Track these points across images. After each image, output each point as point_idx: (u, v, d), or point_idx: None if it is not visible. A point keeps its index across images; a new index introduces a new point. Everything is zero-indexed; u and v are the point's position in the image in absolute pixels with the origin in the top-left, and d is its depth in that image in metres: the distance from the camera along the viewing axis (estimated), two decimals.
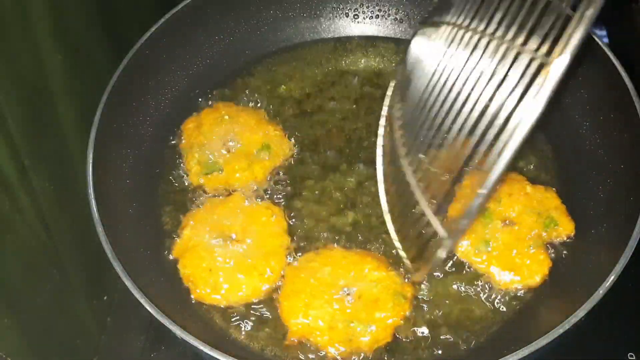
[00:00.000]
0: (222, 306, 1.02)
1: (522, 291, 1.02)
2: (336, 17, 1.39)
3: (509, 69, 0.72)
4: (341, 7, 1.39)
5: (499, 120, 0.70)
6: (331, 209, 1.12)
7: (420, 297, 1.02)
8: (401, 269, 1.02)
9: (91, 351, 1.10)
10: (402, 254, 0.98)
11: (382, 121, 1.09)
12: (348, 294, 0.98)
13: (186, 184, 1.16)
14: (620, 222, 0.97)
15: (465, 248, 1.04)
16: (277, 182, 1.16)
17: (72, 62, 1.03)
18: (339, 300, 0.98)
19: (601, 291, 0.87)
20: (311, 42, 1.38)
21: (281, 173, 1.17)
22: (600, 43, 1.10)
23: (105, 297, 1.14)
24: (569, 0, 0.72)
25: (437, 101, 0.84)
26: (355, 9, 1.39)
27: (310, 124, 1.24)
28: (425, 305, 1.01)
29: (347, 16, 1.39)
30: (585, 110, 1.16)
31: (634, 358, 1.03)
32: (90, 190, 0.98)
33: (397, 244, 1.00)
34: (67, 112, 1.02)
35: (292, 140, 1.21)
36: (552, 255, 1.04)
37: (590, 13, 0.62)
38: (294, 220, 1.11)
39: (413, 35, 0.99)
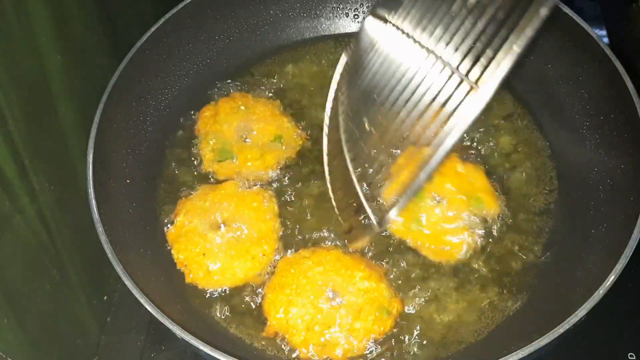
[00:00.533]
0: (215, 289, 1.03)
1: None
2: (336, 16, 1.39)
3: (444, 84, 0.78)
4: (341, 6, 1.39)
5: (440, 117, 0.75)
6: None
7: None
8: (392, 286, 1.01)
9: (91, 351, 1.10)
10: (341, 221, 1.01)
11: (330, 103, 1.09)
12: (333, 299, 0.98)
13: (184, 184, 1.16)
14: (620, 222, 0.97)
15: (398, 226, 1.06)
16: (286, 174, 1.17)
17: (73, 62, 1.03)
18: (322, 303, 0.97)
19: (601, 291, 0.87)
20: (311, 41, 1.38)
21: (291, 165, 1.18)
22: (600, 43, 1.10)
23: (105, 297, 1.14)
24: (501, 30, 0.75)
25: (387, 90, 0.87)
26: (355, 8, 1.39)
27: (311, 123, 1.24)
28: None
29: (347, 16, 1.39)
30: (585, 110, 1.16)
31: (634, 358, 1.03)
32: (91, 190, 0.98)
33: (337, 212, 1.02)
34: (67, 112, 1.02)
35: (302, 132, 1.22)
36: (482, 235, 1.07)
37: (517, 46, 0.67)
38: (295, 213, 1.12)
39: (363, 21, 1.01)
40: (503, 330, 1.00)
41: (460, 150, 1.16)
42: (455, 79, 0.76)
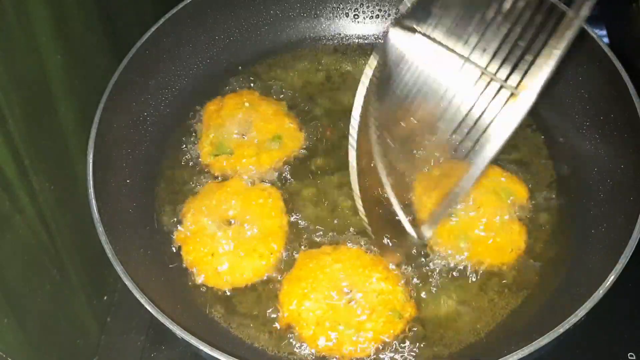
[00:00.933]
0: (226, 290, 1.03)
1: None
2: (336, 17, 1.39)
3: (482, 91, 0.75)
4: (341, 7, 1.39)
5: (479, 126, 0.72)
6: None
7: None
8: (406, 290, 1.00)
9: (91, 351, 1.10)
10: (371, 235, 0.97)
11: (356, 113, 1.07)
12: (347, 296, 0.98)
13: (185, 184, 1.16)
14: (620, 222, 0.97)
15: (445, 249, 1.04)
16: (286, 173, 1.17)
17: (73, 62, 1.03)
18: (336, 300, 0.97)
19: (601, 291, 0.87)
20: (311, 41, 1.38)
21: (288, 165, 1.18)
22: (600, 43, 1.10)
23: (105, 297, 1.14)
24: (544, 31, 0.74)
25: (422, 101, 0.84)
26: (356, 8, 1.39)
27: (310, 123, 1.24)
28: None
29: (347, 16, 1.39)
30: (585, 110, 1.16)
31: (634, 358, 1.03)
32: (91, 190, 0.98)
33: (366, 224, 0.97)
34: (67, 112, 1.02)
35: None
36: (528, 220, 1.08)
37: (558, 49, 0.65)
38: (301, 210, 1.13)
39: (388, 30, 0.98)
40: (503, 330, 1.00)
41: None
42: (494, 86, 0.73)
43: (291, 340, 0.99)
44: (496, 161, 1.15)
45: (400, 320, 0.97)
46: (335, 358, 0.96)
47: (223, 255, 1.03)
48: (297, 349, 0.98)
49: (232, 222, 1.08)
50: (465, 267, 1.04)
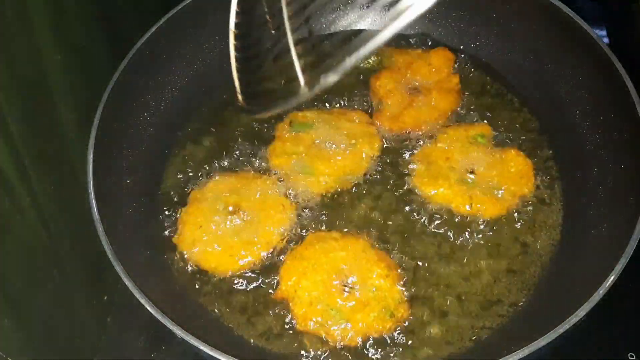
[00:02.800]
0: (224, 275, 1.05)
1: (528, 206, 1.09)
2: (339, 12, 1.39)
3: None
4: (341, 5, 1.39)
5: None
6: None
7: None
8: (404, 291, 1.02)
9: (91, 351, 1.10)
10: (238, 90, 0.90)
11: None
12: (344, 285, 1.00)
13: (185, 184, 1.16)
14: (621, 222, 0.97)
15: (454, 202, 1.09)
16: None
17: (73, 62, 1.03)
18: (333, 285, 0.99)
19: (601, 291, 0.87)
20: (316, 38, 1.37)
21: None
22: (600, 43, 1.10)
23: (105, 297, 1.14)
24: None
25: None
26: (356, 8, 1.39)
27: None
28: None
29: (347, 13, 1.39)
30: (585, 110, 1.16)
31: (634, 358, 1.03)
32: (91, 190, 0.98)
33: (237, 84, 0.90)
34: (67, 112, 1.02)
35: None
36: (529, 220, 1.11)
37: None
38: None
39: None
40: (503, 330, 1.00)
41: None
42: None
43: (294, 344, 0.99)
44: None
45: (391, 319, 0.98)
46: (323, 339, 0.98)
47: (214, 238, 1.06)
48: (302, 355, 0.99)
49: (233, 209, 1.09)
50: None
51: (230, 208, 1.09)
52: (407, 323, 1.00)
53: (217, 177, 1.14)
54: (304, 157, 1.14)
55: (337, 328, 0.97)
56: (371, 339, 0.98)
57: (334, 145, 1.15)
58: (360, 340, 0.97)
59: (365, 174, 1.15)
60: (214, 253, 1.05)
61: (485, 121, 1.21)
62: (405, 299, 1.01)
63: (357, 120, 1.19)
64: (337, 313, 0.97)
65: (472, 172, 1.12)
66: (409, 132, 1.20)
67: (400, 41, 1.35)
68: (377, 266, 1.01)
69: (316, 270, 1.00)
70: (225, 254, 1.05)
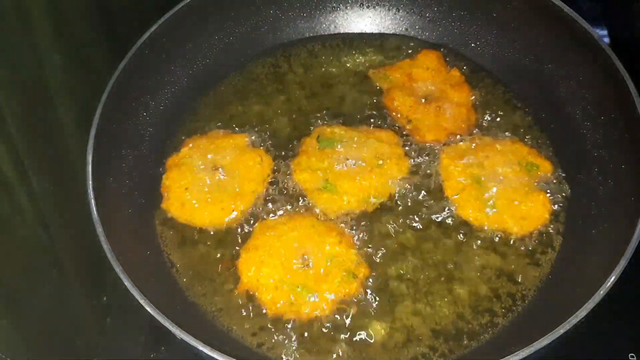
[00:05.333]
0: (181, 222, 1.09)
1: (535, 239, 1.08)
2: (336, 16, 1.39)
3: None
4: (341, 5, 1.39)
5: None
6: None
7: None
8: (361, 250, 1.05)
9: (91, 351, 1.10)
10: None
11: None
12: (303, 261, 1.02)
13: None
14: (621, 223, 0.97)
15: (473, 214, 1.09)
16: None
17: (72, 62, 1.03)
18: (293, 265, 1.02)
19: (602, 291, 0.87)
20: (311, 41, 1.38)
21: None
22: (600, 43, 1.10)
23: (104, 298, 1.14)
24: None
25: None
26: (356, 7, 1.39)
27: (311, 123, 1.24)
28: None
29: (348, 14, 1.39)
30: (585, 110, 1.16)
31: (635, 358, 1.03)
32: (90, 191, 0.98)
33: None
34: (66, 113, 1.02)
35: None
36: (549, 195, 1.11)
37: None
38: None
39: None
40: (504, 330, 1.00)
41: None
42: None
43: (293, 342, 0.99)
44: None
45: (355, 280, 1.01)
46: (293, 320, 1.00)
47: (195, 193, 1.10)
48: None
49: (212, 167, 1.13)
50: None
51: (210, 167, 1.13)
52: (371, 281, 1.03)
53: (190, 144, 1.17)
54: (328, 174, 1.13)
55: (307, 302, 1.00)
56: (344, 304, 1.01)
57: (360, 164, 1.13)
58: (331, 307, 1.00)
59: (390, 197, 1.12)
60: (205, 208, 1.09)
61: (551, 157, 1.17)
62: (362, 260, 1.04)
63: (385, 140, 1.17)
64: (303, 289, 1.00)
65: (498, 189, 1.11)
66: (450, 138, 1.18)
67: (401, 45, 1.36)
68: (328, 236, 1.04)
69: (272, 256, 1.03)
70: (216, 207, 1.09)
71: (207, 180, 1.11)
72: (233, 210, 1.10)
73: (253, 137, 1.20)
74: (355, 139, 1.16)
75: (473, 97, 1.24)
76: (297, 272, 1.02)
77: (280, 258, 1.03)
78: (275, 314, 1.00)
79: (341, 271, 1.02)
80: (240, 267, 1.04)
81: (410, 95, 1.24)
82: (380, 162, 1.13)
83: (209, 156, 1.14)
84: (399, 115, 1.23)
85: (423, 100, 1.24)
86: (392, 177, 1.13)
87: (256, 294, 1.02)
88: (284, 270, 1.02)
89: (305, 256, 1.03)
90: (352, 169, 1.13)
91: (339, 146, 1.16)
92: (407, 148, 1.17)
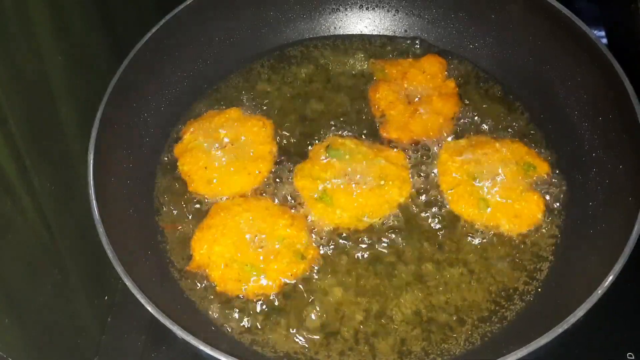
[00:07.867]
0: (210, 199, 1.13)
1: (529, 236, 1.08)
2: (336, 17, 1.40)
3: None
4: (341, 7, 1.39)
5: None
6: None
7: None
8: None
9: (91, 351, 1.10)
10: None
11: None
12: (254, 241, 1.05)
13: (185, 184, 1.17)
14: (619, 222, 0.97)
15: (470, 211, 1.09)
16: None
17: (73, 63, 1.03)
18: (243, 245, 1.05)
19: (600, 291, 0.87)
20: (311, 41, 1.38)
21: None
22: (599, 44, 1.10)
23: (105, 297, 1.14)
24: None
25: None
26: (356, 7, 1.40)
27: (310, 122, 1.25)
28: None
29: (347, 16, 1.40)
30: (584, 111, 1.16)
31: (633, 358, 1.03)
32: (91, 191, 0.99)
33: None
34: (68, 113, 1.02)
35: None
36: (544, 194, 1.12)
37: None
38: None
39: None
40: (503, 330, 1.00)
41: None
42: None
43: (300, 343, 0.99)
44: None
45: (303, 261, 1.05)
46: (241, 296, 1.03)
47: (215, 169, 1.14)
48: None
49: (229, 142, 1.17)
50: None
51: (219, 142, 1.17)
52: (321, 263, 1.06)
53: (191, 129, 1.20)
54: (327, 185, 1.12)
55: (255, 280, 1.03)
56: (291, 283, 1.04)
57: (361, 181, 1.11)
58: (278, 285, 1.03)
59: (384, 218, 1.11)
60: (232, 179, 1.13)
61: (549, 158, 1.17)
62: (312, 242, 1.07)
63: (393, 161, 1.15)
64: (251, 267, 1.03)
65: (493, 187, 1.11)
66: (417, 142, 1.19)
67: (396, 46, 1.36)
68: (281, 218, 1.07)
69: (225, 235, 1.06)
70: (242, 174, 1.13)
71: (221, 155, 1.15)
72: (258, 173, 1.14)
73: (245, 108, 1.25)
74: (364, 154, 1.15)
75: (460, 110, 1.23)
76: (248, 251, 1.05)
77: (232, 237, 1.06)
78: (224, 290, 1.03)
79: (290, 252, 1.05)
80: (194, 245, 1.07)
81: (395, 92, 1.24)
82: (382, 182, 1.11)
83: (216, 132, 1.18)
84: (376, 107, 1.24)
85: (407, 100, 1.24)
86: (391, 199, 1.11)
87: (207, 270, 1.05)
88: (235, 249, 1.05)
89: (257, 236, 1.06)
90: (353, 185, 1.12)
91: (346, 157, 1.15)
92: (412, 172, 1.16)
